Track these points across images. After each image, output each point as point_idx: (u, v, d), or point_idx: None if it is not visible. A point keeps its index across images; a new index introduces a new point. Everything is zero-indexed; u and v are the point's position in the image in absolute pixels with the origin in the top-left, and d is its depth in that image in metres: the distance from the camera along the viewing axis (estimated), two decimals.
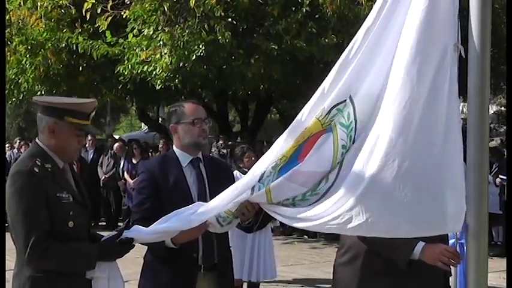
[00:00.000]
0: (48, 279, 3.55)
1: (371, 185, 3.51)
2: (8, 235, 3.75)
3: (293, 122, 3.72)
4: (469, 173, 3.35)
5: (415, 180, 3.42)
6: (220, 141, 16.88)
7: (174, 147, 4.55)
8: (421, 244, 3.89)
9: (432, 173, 3.40)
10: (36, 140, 3.77)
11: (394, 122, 3.50)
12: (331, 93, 3.65)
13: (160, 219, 3.81)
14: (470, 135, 3.38)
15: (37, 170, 3.57)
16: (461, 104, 3.57)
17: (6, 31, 15.23)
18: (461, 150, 3.37)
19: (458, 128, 3.42)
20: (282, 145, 3.68)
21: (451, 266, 4.05)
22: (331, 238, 14.59)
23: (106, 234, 3.83)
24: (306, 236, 13.56)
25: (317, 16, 13.09)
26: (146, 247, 4.35)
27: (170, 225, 3.80)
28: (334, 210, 3.56)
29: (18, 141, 18.84)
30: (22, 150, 17.33)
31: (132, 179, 15.31)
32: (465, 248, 3.50)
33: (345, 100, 3.62)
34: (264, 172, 3.67)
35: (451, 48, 3.47)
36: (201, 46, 12.80)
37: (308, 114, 3.67)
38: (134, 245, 3.72)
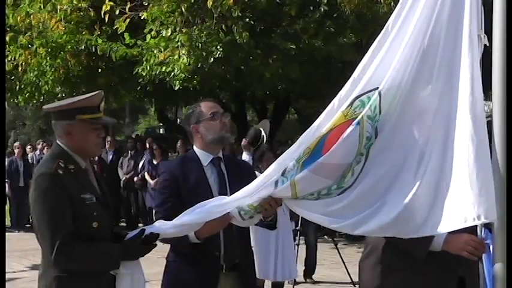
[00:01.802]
0: (74, 279, 3.59)
1: (401, 182, 3.52)
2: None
3: (321, 115, 3.73)
4: (494, 171, 3.31)
5: (446, 175, 3.43)
6: None
7: (195, 148, 4.56)
8: (443, 234, 3.78)
9: (462, 165, 3.39)
10: (57, 141, 3.78)
11: (424, 115, 3.53)
12: (358, 85, 3.67)
13: (182, 214, 3.86)
14: (495, 133, 3.35)
15: (61, 172, 3.59)
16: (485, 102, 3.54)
17: (27, 34, 15.36)
18: (487, 142, 3.36)
19: (483, 119, 3.41)
20: (309, 138, 3.69)
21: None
22: (352, 238, 14.55)
23: (126, 232, 3.86)
24: (325, 236, 13.54)
25: (335, 15, 13.07)
26: (168, 247, 4.39)
27: (192, 217, 3.83)
28: (362, 208, 3.57)
29: (41, 142, 18.92)
30: (44, 151, 17.46)
31: (152, 180, 15.39)
32: (491, 248, 3.49)
33: (370, 91, 3.63)
34: (287, 166, 3.68)
35: (476, 38, 3.47)
36: (218, 47, 12.81)
37: (337, 107, 3.69)
38: (156, 244, 3.75)
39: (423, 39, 3.60)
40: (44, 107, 3.90)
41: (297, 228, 9.83)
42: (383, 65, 3.65)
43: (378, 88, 3.62)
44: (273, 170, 3.75)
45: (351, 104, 3.64)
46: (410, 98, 3.62)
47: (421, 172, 3.52)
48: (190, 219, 3.84)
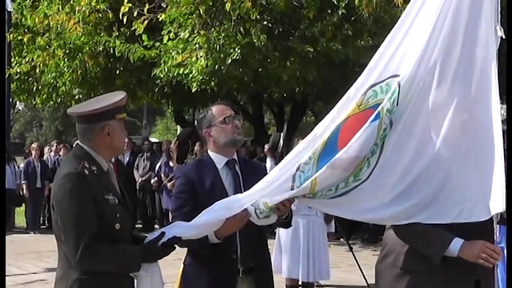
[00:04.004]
0: (96, 280, 3.59)
1: (420, 173, 3.59)
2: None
3: (335, 107, 3.76)
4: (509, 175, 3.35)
5: (465, 165, 3.49)
6: None
7: (209, 151, 4.59)
8: (459, 241, 3.80)
9: (480, 157, 3.47)
10: (79, 143, 3.78)
11: (439, 114, 3.57)
12: (372, 75, 3.70)
13: (200, 214, 3.89)
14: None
15: (87, 172, 3.60)
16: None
17: (45, 36, 15.43)
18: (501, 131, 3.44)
19: (498, 104, 3.47)
20: (324, 130, 3.72)
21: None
22: (368, 241, 14.54)
23: (146, 234, 3.88)
24: (341, 239, 13.52)
25: (353, 18, 13.01)
26: (184, 249, 4.38)
27: (211, 215, 3.87)
28: (377, 200, 3.64)
29: (55, 144, 18.95)
30: (61, 153, 17.50)
31: (169, 182, 15.42)
32: (505, 251, 3.50)
33: (382, 81, 3.68)
34: (302, 160, 3.70)
35: (492, 30, 3.50)
36: (236, 49, 12.81)
37: (351, 98, 3.72)
38: (175, 247, 3.77)
39: (439, 34, 3.64)
40: (72, 112, 3.83)
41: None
42: (396, 56, 3.72)
43: (390, 78, 3.67)
44: (288, 162, 3.79)
45: (364, 93, 3.69)
46: (426, 94, 3.66)
47: (450, 163, 3.65)
48: (209, 217, 3.87)
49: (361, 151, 3.65)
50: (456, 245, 3.81)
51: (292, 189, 3.76)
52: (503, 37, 3.55)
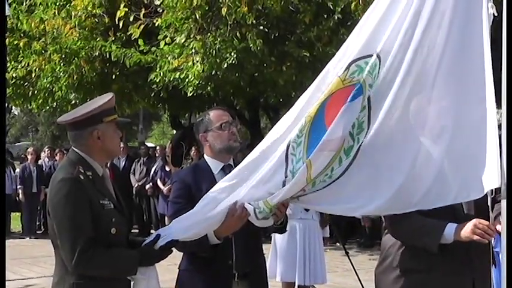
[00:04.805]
0: (92, 285, 3.60)
1: (413, 161, 3.58)
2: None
3: (315, 81, 3.73)
4: (507, 179, 3.34)
5: (458, 146, 3.50)
6: None
7: (205, 156, 4.58)
8: (453, 226, 3.82)
9: (473, 136, 3.48)
10: (74, 148, 3.78)
11: (433, 86, 3.57)
12: (354, 48, 3.67)
13: (188, 216, 3.89)
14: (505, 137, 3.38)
15: (82, 177, 3.61)
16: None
17: (41, 40, 15.42)
18: (495, 113, 3.43)
19: (491, 88, 3.46)
20: (306, 104, 3.71)
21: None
22: (364, 245, 14.54)
23: (142, 238, 3.87)
24: (338, 244, 13.52)
25: (349, 23, 13.01)
26: (180, 254, 4.38)
27: (203, 206, 3.87)
28: (367, 190, 3.63)
29: (47, 149, 18.83)
30: (57, 158, 17.44)
31: (165, 186, 15.42)
32: (500, 255, 3.49)
33: (366, 56, 3.64)
34: (291, 138, 3.69)
35: (485, 8, 3.48)
36: (232, 54, 12.82)
37: (332, 70, 3.69)
38: (172, 250, 3.77)
39: (419, 15, 3.62)
40: (67, 119, 3.81)
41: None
42: (378, 31, 3.67)
43: (378, 55, 3.63)
44: (275, 142, 3.79)
45: (347, 68, 3.64)
46: (420, 69, 3.64)
47: (443, 145, 3.63)
48: (203, 212, 3.86)
49: (345, 128, 3.61)
50: (450, 229, 3.82)
51: (286, 176, 3.71)
52: (495, 14, 3.52)
